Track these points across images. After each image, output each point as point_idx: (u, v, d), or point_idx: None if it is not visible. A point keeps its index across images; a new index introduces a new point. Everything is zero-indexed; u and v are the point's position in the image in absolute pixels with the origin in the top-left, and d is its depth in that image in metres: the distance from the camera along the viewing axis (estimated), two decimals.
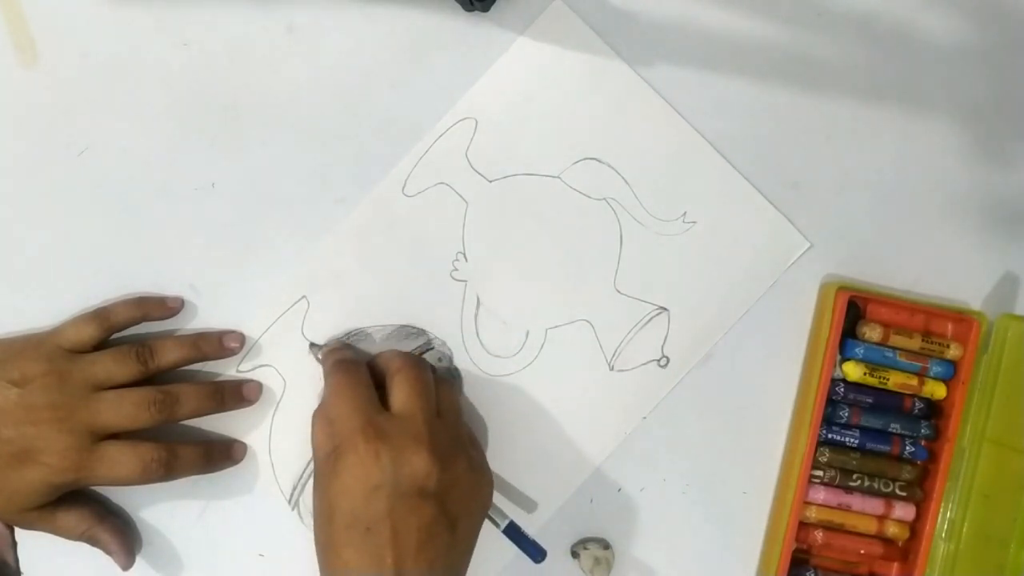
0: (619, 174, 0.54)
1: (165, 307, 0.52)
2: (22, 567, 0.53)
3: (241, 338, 0.52)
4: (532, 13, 0.53)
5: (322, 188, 0.53)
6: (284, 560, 0.53)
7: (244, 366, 0.53)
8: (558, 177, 0.54)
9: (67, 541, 0.50)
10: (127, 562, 0.51)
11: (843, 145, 0.55)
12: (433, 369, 0.52)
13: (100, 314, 0.50)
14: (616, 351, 0.54)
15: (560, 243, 0.54)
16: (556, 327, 0.54)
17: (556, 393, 0.54)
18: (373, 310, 0.53)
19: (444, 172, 0.53)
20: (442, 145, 0.53)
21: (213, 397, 0.51)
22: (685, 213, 0.54)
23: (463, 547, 0.47)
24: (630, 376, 0.54)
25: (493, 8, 0.52)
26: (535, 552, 0.50)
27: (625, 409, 0.54)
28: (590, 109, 0.54)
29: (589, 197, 0.54)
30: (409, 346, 0.53)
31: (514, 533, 0.50)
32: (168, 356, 0.50)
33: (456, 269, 0.54)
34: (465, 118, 0.53)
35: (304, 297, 0.53)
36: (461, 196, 0.53)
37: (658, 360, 0.54)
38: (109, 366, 0.49)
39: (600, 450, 0.54)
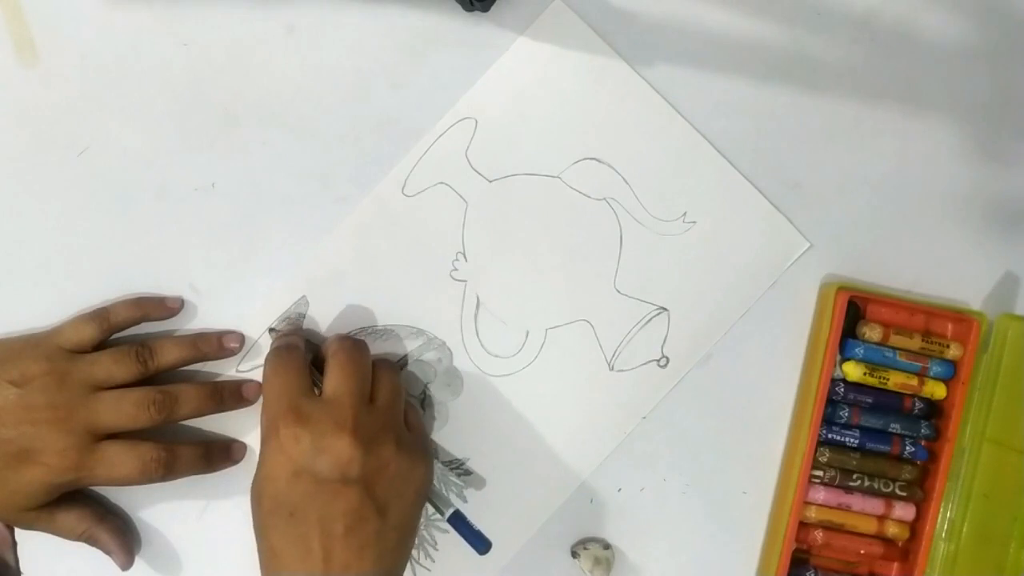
0: (619, 174, 0.54)
1: (165, 307, 0.52)
2: (22, 567, 0.53)
3: (241, 338, 0.52)
4: (532, 13, 0.53)
5: (322, 188, 0.53)
6: None
7: (244, 366, 0.53)
8: (558, 177, 0.54)
9: (67, 541, 0.50)
10: (126, 562, 0.51)
11: (843, 145, 0.55)
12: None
13: (100, 314, 0.50)
14: (616, 351, 0.54)
15: (560, 243, 0.54)
16: (556, 327, 0.54)
17: (556, 393, 0.54)
18: (372, 310, 0.53)
19: (444, 172, 0.53)
20: (442, 145, 0.53)
21: (212, 397, 0.51)
22: (685, 213, 0.54)
23: (397, 533, 0.47)
24: (630, 376, 0.54)
25: (493, 8, 0.52)
26: (479, 543, 0.50)
27: (625, 409, 0.54)
28: (590, 109, 0.54)
29: (589, 197, 0.54)
30: (409, 346, 0.53)
31: (458, 522, 0.50)
32: (167, 356, 0.50)
33: (456, 269, 0.54)
34: (465, 118, 0.53)
35: (304, 296, 0.53)
36: (461, 196, 0.53)
37: (658, 360, 0.54)
38: (109, 366, 0.49)
39: (599, 450, 0.54)
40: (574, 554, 0.54)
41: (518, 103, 0.53)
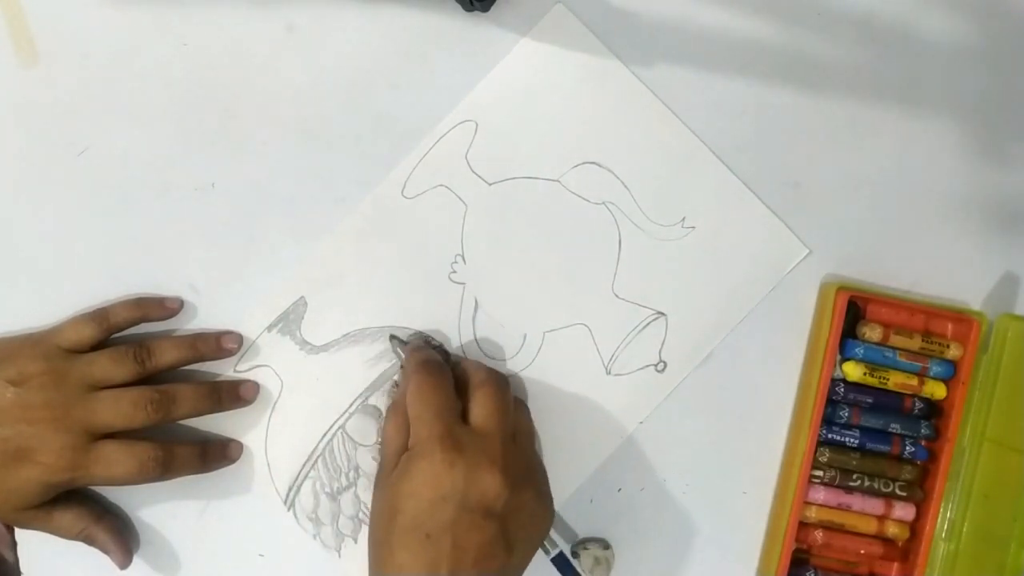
0: (618, 178, 0.54)
1: (164, 308, 0.52)
2: (22, 568, 0.53)
3: (239, 339, 0.52)
4: (533, 14, 0.53)
5: (322, 188, 0.53)
6: (284, 560, 0.53)
7: (241, 366, 0.53)
8: (557, 180, 0.54)
9: (66, 541, 0.50)
10: (124, 561, 0.51)
11: (843, 145, 0.55)
12: None
13: (99, 315, 0.50)
14: (613, 355, 0.54)
15: (559, 246, 0.54)
16: (554, 330, 0.54)
17: (553, 396, 0.54)
18: (371, 311, 0.53)
19: (444, 174, 0.53)
20: (442, 147, 0.53)
21: (210, 397, 0.51)
22: (684, 218, 0.54)
23: (515, 573, 0.47)
24: (627, 380, 0.54)
25: (493, 8, 0.52)
26: None
27: (622, 413, 0.54)
28: (590, 113, 0.53)
29: (588, 201, 0.54)
30: (407, 348, 0.53)
31: (561, 563, 0.51)
32: (166, 356, 0.50)
33: (455, 271, 0.54)
34: (465, 120, 0.53)
35: (302, 297, 0.53)
36: (460, 198, 0.53)
37: (655, 365, 0.54)
38: (106, 366, 0.49)
39: (596, 454, 0.54)
40: (574, 554, 0.54)
41: (518, 106, 0.53)
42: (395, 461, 0.47)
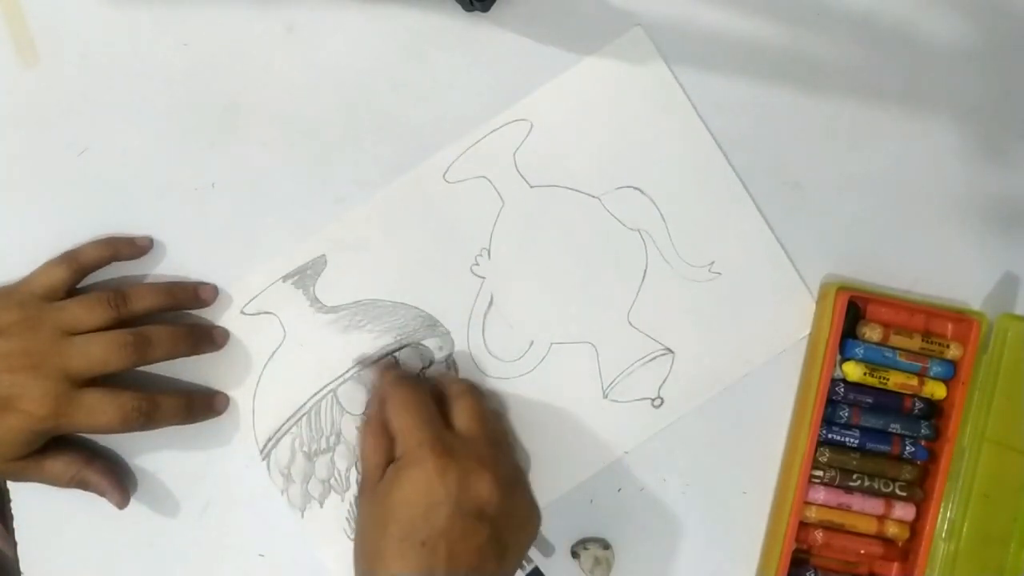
0: (658, 209, 0.54)
1: (134, 246, 0.51)
2: (22, 568, 0.53)
3: (215, 290, 0.52)
4: (532, 14, 0.53)
5: (322, 188, 0.53)
6: (284, 560, 0.53)
7: (249, 308, 0.52)
8: (598, 198, 0.54)
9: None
10: (122, 500, 0.50)
11: (843, 145, 0.55)
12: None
13: (69, 256, 0.50)
14: (614, 381, 0.54)
15: (584, 262, 0.54)
16: (561, 343, 0.54)
17: (546, 407, 0.54)
18: (387, 284, 0.53)
19: (488, 167, 0.53)
20: (493, 140, 0.53)
21: (186, 339, 0.50)
22: (713, 263, 0.54)
23: None
24: (621, 408, 0.54)
25: (493, 8, 0.52)
26: None
27: (609, 439, 0.54)
28: (645, 140, 0.54)
29: (623, 225, 0.54)
30: (414, 328, 0.53)
31: None
32: (141, 302, 0.49)
33: (477, 264, 0.54)
34: (520, 119, 0.53)
35: (324, 256, 0.53)
36: (499, 194, 0.53)
37: (652, 399, 0.54)
38: (80, 311, 0.48)
39: (574, 475, 0.54)
40: (574, 554, 0.54)
41: (576, 117, 0.53)
42: (379, 474, 0.47)
